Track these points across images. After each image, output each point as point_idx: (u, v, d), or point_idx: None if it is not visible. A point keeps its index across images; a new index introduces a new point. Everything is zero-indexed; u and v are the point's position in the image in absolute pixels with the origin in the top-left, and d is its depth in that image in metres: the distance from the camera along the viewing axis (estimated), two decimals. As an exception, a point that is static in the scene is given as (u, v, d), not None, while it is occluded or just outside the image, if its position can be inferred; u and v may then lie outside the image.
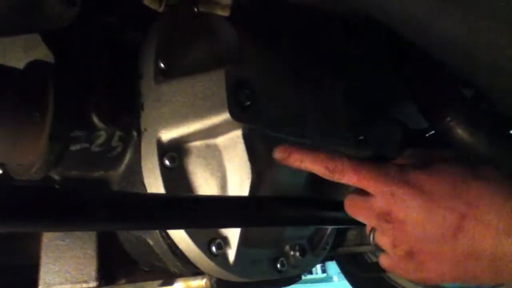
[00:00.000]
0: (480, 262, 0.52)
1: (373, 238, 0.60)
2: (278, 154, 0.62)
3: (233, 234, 0.67)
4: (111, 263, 0.73)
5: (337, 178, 0.59)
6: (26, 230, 0.41)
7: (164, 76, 0.67)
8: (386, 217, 0.56)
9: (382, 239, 0.58)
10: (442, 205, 0.53)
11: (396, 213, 0.55)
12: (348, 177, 0.58)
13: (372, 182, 0.56)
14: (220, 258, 0.66)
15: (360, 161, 0.58)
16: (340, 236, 1.20)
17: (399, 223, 0.55)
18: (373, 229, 0.60)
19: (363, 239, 1.25)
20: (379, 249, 0.61)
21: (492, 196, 0.51)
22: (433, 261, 0.55)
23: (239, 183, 0.66)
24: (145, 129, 0.66)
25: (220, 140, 0.67)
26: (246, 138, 0.66)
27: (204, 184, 0.67)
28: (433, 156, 0.59)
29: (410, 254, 0.56)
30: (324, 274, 6.01)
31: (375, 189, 0.56)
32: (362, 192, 0.59)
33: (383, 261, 0.61)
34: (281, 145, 0.62)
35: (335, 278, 5.82)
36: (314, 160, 0.60)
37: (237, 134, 0.66)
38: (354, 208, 0.61)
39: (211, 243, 0.66)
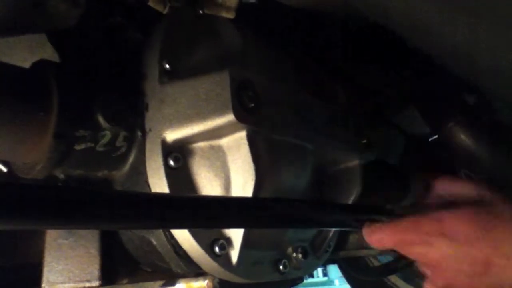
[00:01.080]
0: None
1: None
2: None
3: (236, 235, 0.67)
4: (114, 262, 0.73)
5: (383, 247, 0.67)
6: (29, 228, 0.41)
7: (168, 77, 0.68)
8: (421, 258, 0.67)
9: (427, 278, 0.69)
10: (472, 247, 0.61)
11: (432, 256, 0.64)
12: (390, 244, 0.66)
13: (410, 239, 0.65)
14: (223, 259, 0.67)
15: (395, 221, 0.65)
16: (342, 239, 1.20)
17: (435, 264, 0.65)
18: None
19: (365, 243, 1.25)
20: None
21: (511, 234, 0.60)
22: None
23: (242, 184, 0.66)
24: (150, 130, 0.67)
25: (224, 141, 0.67)
26: (250, 139, 0.66)
27: (208, 185, 0.67)
28: (458, 198, 0.68)
29: (447, 286, 0.66)
30: (326, 278, 5.99)
31: (413, 242, 0.65)
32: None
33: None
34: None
35: (337, 281, 5.80)
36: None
37: (241, 136, 0.66)
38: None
39: (214, 243, 0.66)
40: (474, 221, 0.62)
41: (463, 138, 0.93)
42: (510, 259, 0.59)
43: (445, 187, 0.72)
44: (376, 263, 1.59)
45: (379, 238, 0.67)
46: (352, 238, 1.24)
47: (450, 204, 0.69)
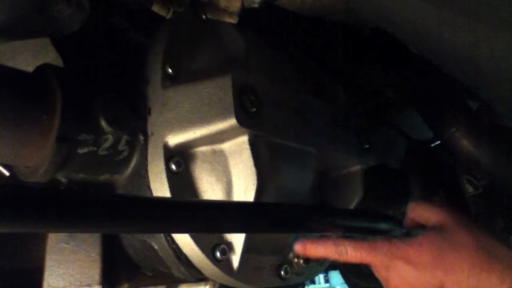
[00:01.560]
0: None
1: None
2: (297, 248, 0.72)
3: (237, 240, 0.67)
4: (115, 267, 0.73)
5: (344, 258, 0.70)
6: (31, 231, 0.41)
7: (171, 81, 0.68)
8: (385, 282, 0.71)
9: None
10: (426, 273, 0.65)
11: (392, 280, 0.69)
12: (351, 257, 0.70)
13: (370, 259, 0.70)
14: (224, 264, 0.66)
15: (359, 242, 0.70)
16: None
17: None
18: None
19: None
20: None
21: (462, 263, 0.64)
22: None
23: (244, 189, 0.66)
24: (152, 134, 0.67)
25: (226, 146, 0.67)
26: (252, 144, 0.66)
27: (210, 189, 0.67)
28: (426, 223, 0.72)
29: None
30: (327, 284, 5.96)
31: (375, 265, 0.70)
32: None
33: None
34: (299, 241, 0.73)
35: (338, 288, 5.78)
36: (325, 249, 0.71)
37: (243, 140, 0.66)
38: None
39: (215, 248, 0.66)
40: (430, 248, 0.66)
41: (465, 144, 0.93)
42: (460, 285, 0.63)
43: (416, 213, 0.76)
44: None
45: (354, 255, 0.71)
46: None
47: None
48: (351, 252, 0.70)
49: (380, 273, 0.71)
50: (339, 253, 0.70)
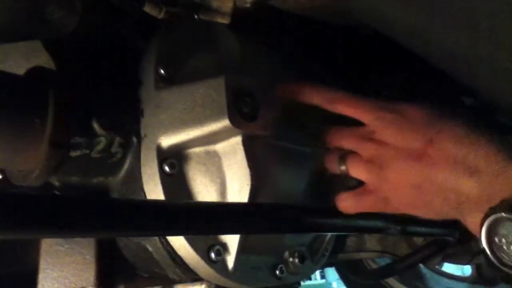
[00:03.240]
0: (433, 187, 0.59)
1: (346, 162, 0.69)
2: (280, 91, 0.69)
3: (232, 241, 0.67)
4: (110, 269, 0.73)
5: (334, 107, 0.67)
6: (22, 237, 0.41)
7: (164, 82, 0.68)
8: (371, 135, 0.65)
9: (357, 159, 0.67)
10: (416, 131, 0.60)
11: (380, 134, 0.64)
12: (343, 105, 0.66)
13: (364, 110, 0.65)
14: (219, 265, 0.67)
15: (353, 94, 0.66)
16: (339, 242, 1.20)
17: (378, 143, 0.64)
18: (346, 154, 0.69)
19: (362, 246, 1.25)
20: (346, 176, 0.70)
21: (463, 134, 0.58)
22: (398, 176, 0.62)
23: (238, 190, 0.66)
24: (145, 135, 0.66)
25: (220, 147, 0.67)
26: (246, 144, 0.66)
27: (204, 191, 0.67)
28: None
29: (379, 171, 0.64)
30: (323, 280, 5.98)
31: (366, 115, 0.65)
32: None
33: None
34: (285, 84, 0.69)
35: (334, 284, 5.80)
36: (315, 91, 0.68)
37: (236, 141, 0.66)
38: (338, 134, 0.70)
39: (210, 249, 0.66)
40: (426, 110, 0.63)
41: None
42: (446, 151, 0.58)
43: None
44: (374, 266, 1.59)
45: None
46: (350, 241, 1.25)
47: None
48: (343, 100, 0.67)
49: (364, 129, 0.66)
50: (329, 99, 0.68)
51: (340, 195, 0.71)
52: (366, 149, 0.66)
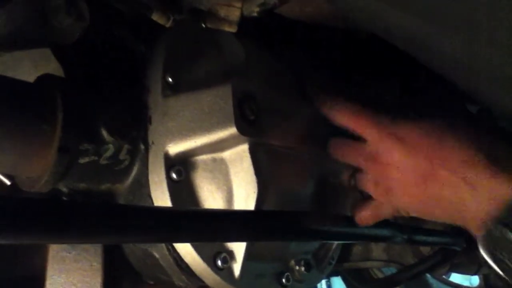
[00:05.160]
0: (439, 203, 0.62)
1: (355, 179, 0.72)
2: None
3: (238, 248, 0.67)
4: (117, 275, 0.73)
5: (339, 119, 0.68)
6: (29, 242, 0.41)
7: (171, 90, 0.68)
8: (374, 158, 0.66)
9: (365, 178, 0.69)
10: (419, 154, 0.62)
11: (382, 157, 0.65)
12: (347, 119, 0.68)
13: (367, 128, 0.66)
14: (225, 272, 0.66)
15: (360, 107, 0.67)
16: (345, 251, 1.20)
17: (384, 165, 0.65)
18: (356, 171, 0.71)
19: (368, 254, 1.24)
20: (359, 191, 0.73)
21: (461, 151, 0.60)
22: (405, 196, 0.65)
23: (245, 197, 0.66)
24: (153, 143, 0.67)
25: (227, 154, 0.67)
26: (252, 152, 0.66)
27: (210, 198, 0.67)
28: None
29: (387, 191, 0.66)
30: (329, 290, 5.93)
31: (369, 135, 0.66)
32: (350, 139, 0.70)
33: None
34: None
35: (340, 293, 5.76)
36: (316, 98, 0.71)
37: (243, 148, 0.66)
38: (343, 150, 0.71)
39: (216, 257, 0.66)
40: (426, 133, 0.63)
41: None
42: (452, 171, 0.60)
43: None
44: (380, 275, 1.58)
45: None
46: (356, 249, 1.24)
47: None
48: (349, 113, 0.67)
49: (368, 149, 0.66)
50: (335, 110, 0.69)
51: (357, 207, 0.73)
52: (372, 171, 0.68)
